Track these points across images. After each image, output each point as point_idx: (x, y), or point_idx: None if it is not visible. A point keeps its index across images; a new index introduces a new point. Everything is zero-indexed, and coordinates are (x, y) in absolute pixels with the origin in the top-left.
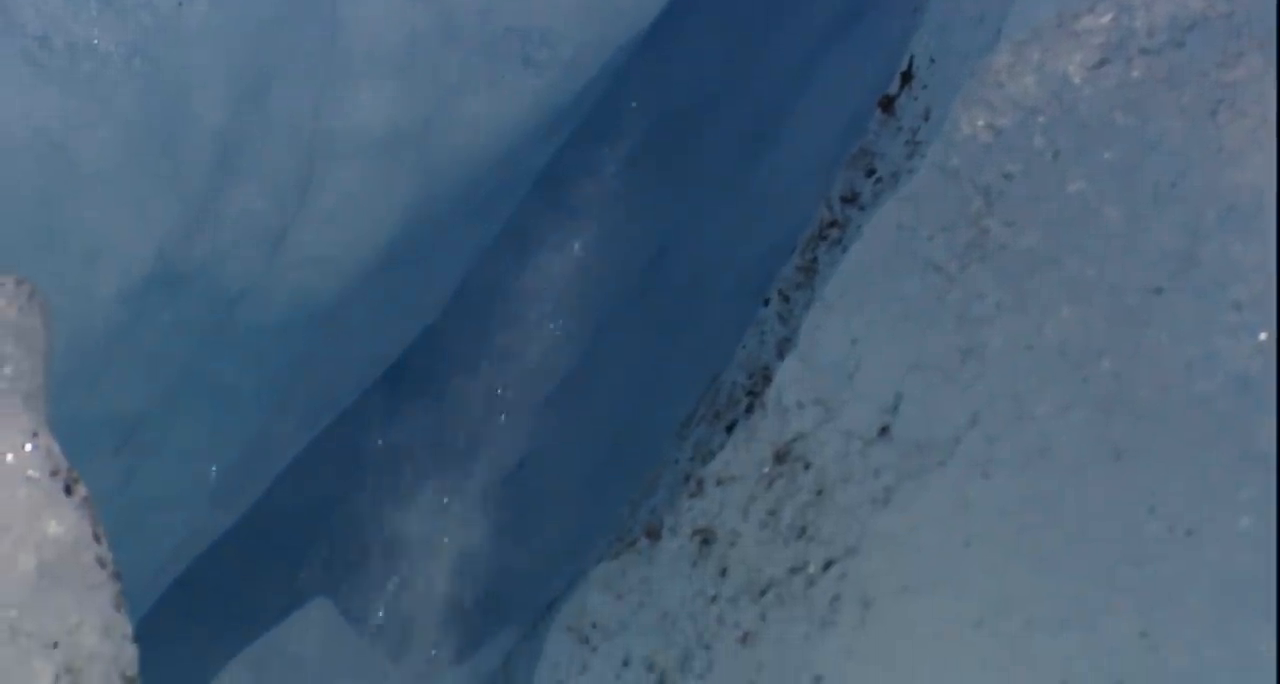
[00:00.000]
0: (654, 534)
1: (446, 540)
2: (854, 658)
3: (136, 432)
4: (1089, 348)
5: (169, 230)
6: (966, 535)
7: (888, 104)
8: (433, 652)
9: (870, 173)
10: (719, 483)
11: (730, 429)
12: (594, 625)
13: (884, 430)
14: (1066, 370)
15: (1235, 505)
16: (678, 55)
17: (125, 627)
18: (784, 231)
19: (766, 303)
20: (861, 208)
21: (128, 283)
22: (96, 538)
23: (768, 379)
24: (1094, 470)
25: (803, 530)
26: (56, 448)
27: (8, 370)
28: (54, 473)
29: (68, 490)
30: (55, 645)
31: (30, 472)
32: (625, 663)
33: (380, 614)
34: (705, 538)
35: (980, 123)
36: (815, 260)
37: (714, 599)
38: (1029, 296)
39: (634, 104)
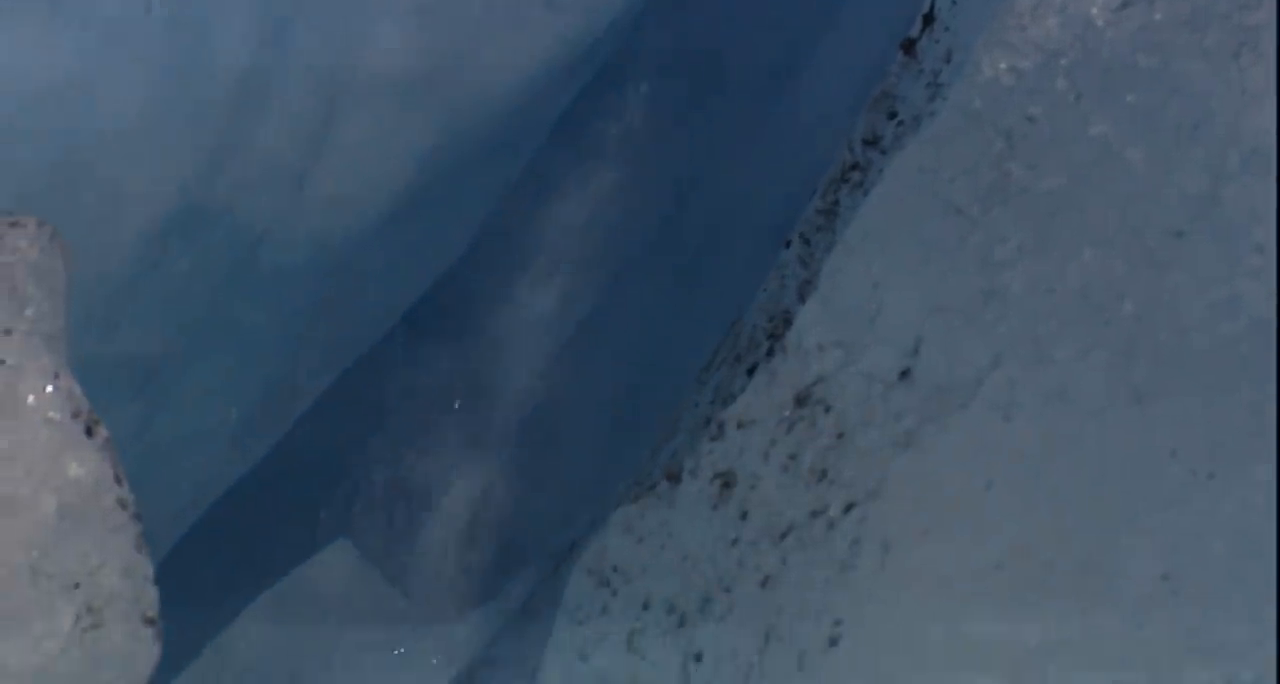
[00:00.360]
0: (674, 477)
1: (466, 483)
2: (874, 602)
3: (157, 373)
4: (1110, 291)
5: (189, 172)
6: (987, 478)
7: (909, 46)
8: (453, 594)
9: (892, 115)
10: (739, 426)
11: (751, 372)
12: (614, 569)
13: (905, 373)
14: (1088, 313)
15: (1257, 449)
16: None
17: (146, 568)
18: (805, 174)
19: (788, 246)
20: (883, 151)
21: (148, 224)
22: (117, 479)
23: (789, 322)
24: (1115, 413)
25: (823, 474)
26: (78, 389)
27: (29, 312)
28: (75, 414)
29: (89, 432)
30: (76, 586)
31: (51, 413)
32: (645, 606)
33: (400, 556)
34: (726, 481)
35: (1002, 65)
36: (837, 203)
37: (734, 542)
38: (1050, 239)
39: (654, 46)
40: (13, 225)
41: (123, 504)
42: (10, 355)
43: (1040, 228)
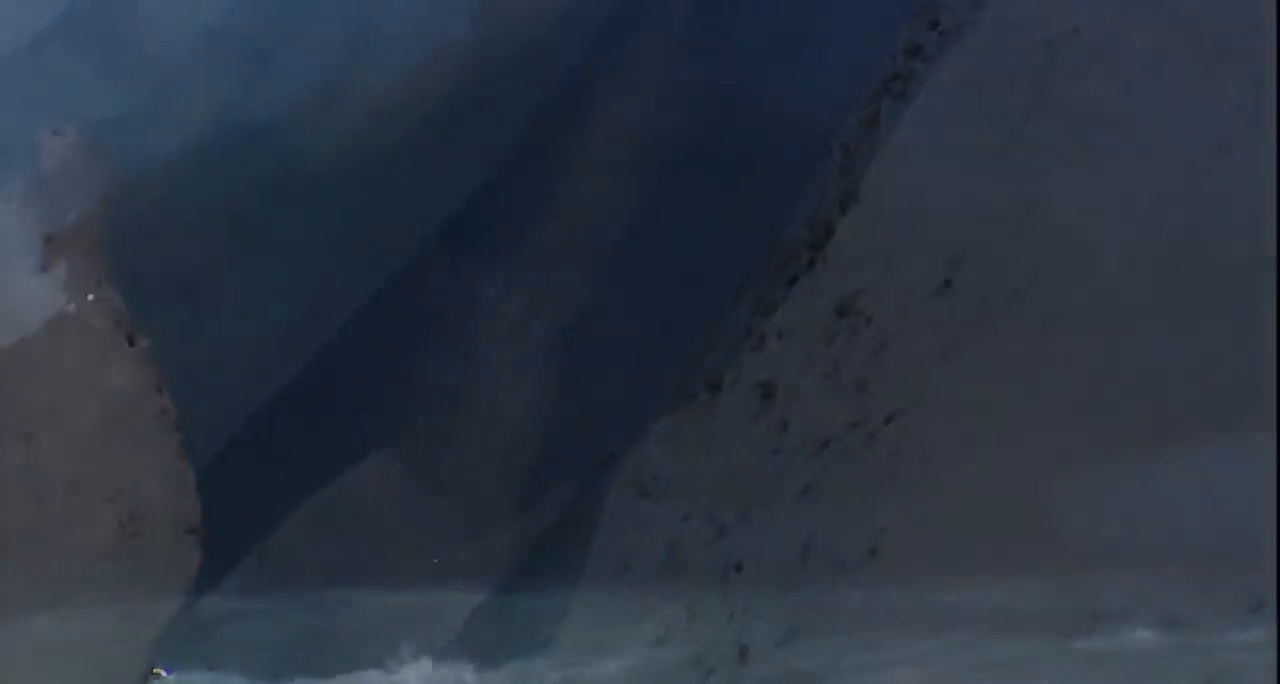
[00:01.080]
0: (714, 388)
1: (507, 393)
2: (914, 512)
3: (198, 283)
4: (1153, 202)
5: (229, 82)
6: (1028, 389)
7: None
8: (493, 504)
9: (934, 24)
10: (780, 336)
11: (792, 283)
12: (654, 479)
13: (946, 284)
14: (1130, 226)
15: None
16: None
17: (187, 477)
18: (846, 84)
19: (829, 156)
20: (925, 60)
21: (188, 135)
22: (158, 389)
23: (829, 233)
24: (1157, 325)
25: (864, 384)
26: (119, 299)
27: (69, 221)
28: (116, 323)
29: (130, 341)
30: (118, 495)
31: (92, 322)
32: (685, 517)
33: (440, 467)
34: (765, 392)
35: None
36: (878, 113)
37: (775, 453)
38: (1093, 151)
39: None
40: (54, 135)
41: (164, 413)
42: (51, 264)
43: (1083, 139)
